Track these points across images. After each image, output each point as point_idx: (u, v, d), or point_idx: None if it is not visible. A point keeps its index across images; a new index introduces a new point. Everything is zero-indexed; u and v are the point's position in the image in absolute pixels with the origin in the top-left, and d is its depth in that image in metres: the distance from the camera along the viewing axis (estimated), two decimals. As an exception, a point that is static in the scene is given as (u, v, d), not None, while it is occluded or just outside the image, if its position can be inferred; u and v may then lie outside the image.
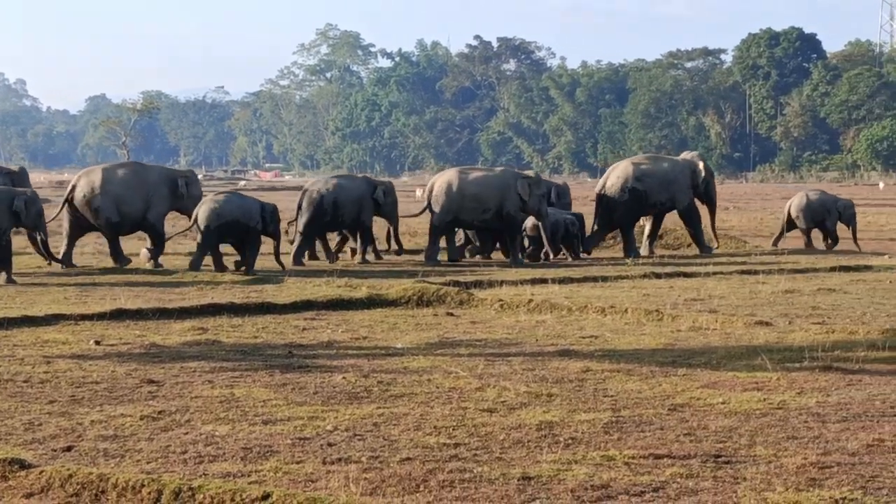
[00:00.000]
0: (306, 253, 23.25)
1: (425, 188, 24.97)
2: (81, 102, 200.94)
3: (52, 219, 22.12)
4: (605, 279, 19.25)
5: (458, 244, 24.63)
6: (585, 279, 19.28)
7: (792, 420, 8.70)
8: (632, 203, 25.51)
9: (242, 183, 75.97)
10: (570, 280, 19.02)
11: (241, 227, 20.78)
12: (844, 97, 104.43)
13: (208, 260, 20.96)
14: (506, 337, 13.03)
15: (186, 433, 8.33)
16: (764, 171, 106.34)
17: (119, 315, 14.52)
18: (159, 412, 8.97)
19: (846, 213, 26.41)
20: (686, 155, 28.00)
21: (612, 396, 9.62)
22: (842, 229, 26.52)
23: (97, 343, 12.48)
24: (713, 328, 13.49)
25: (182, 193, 22.53)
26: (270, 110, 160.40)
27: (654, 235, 26.40)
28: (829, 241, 26.21)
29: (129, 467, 7.44)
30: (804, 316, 14.63)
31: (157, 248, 22.04)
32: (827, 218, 26.18)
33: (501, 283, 18.22)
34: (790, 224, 26.72)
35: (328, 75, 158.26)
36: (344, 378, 10.37)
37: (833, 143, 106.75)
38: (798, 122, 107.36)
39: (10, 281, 18.98)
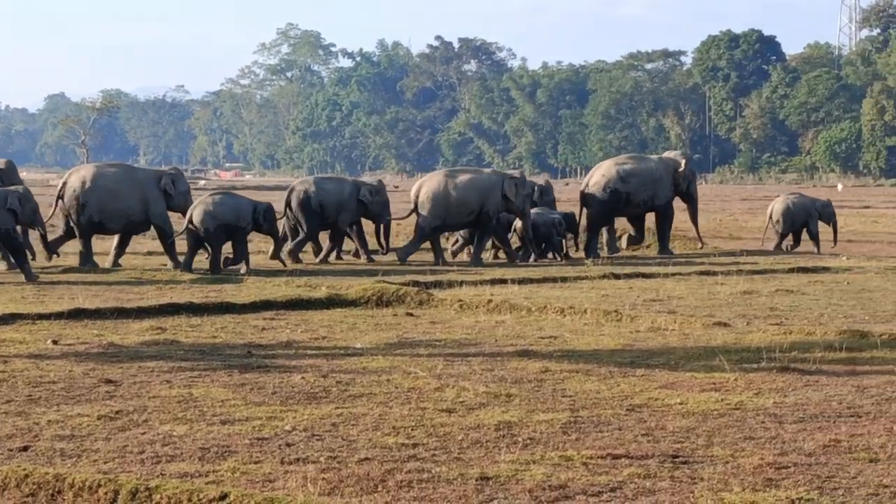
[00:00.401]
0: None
1: (412, 190, 25.12)
2: (40, 101, 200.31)
3: (49, 218, 22.20)
4: (564, 280, 19.28)
5: (456, 245, 25.01)
6: (545, 280, 19.31)
7: (749, 420, 8.74)
8: (615, 203, 25.76)
9: (202, 182, 75.66)
10: (530, 280, 19.05)
11: (234, 228, 20.88)
12: (803, 99, 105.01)
13: (191, 262, 21.06)
14: (465, 337, 13.03)
15: (144, 433, 8.30)
16: (723, 173, 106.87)
17: (77, 314, 14.44)
18: (117, 412, 8.93)
19: (825, 213, 26.63)
20: (669, 154, 28.27)
21: (570, 397, 9.63)
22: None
23: (54, 343, 12.41)
24: (672, 329, 13.53)
25: (170, 192, 22.44)
26: (231, 109, 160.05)
27: (640, 235, 26.76)
28: (814, 242, 26.23)
29: (85, 467, 7.40)
30: (762, 317, 14.70)
31: (170, 247, 22.04)
32: (809, 220, 26.34)
33: (461, 283, 18.24)
34: (775, 228, 26.71)
35: (289, 75, 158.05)
36: (303, 378, 10.35)
37: (792, 145, 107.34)
38: (757, 124, 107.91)
39: (30, 278, 19.02)
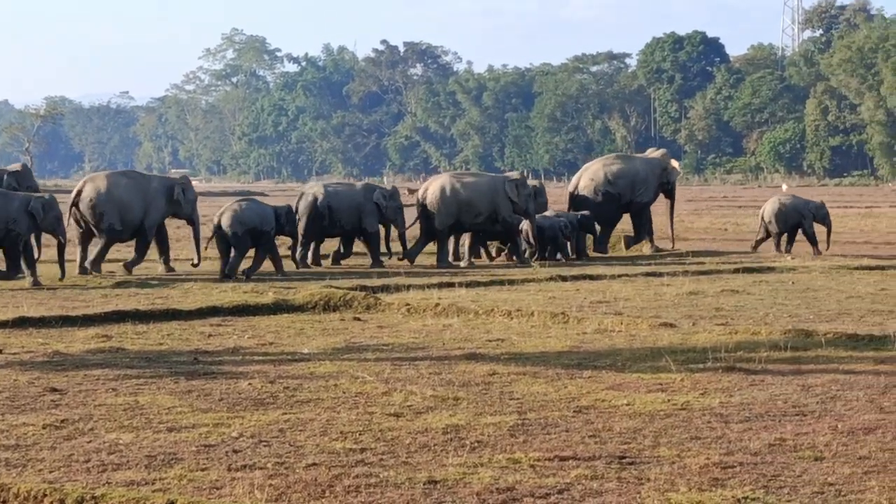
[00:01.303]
0: (309, 256, 23.61)
1: (416, 194, 25.49)
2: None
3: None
4: (511, 282, 19.32)
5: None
6: (492, 283, 19.34)
7: (695, 420, 8.79)
8: (608, 205, 26.29)
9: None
10: (478, 284, 19.08)
11: (259, 233, 21.31)
12: (747, 100, 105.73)
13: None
14: (413, 341, 13.03)
15: (90, 441, 8.25)
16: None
17: (21, 323, 14.33)
18: (62, 421, 8.87)
19: (819, 214, 26.64)
20: (655, 153, 28.66)
21: (518, 399, 9.65)
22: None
23: (-1, 352, 12.32)
24: (618, 330, 13.58)
25: (179, 200, 22.58)
26: (176, 115, 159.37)
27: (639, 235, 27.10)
28: (811, 243, 26.19)
29: (30, 477, 7.35)
30: (708, 317, 14.78)
31: (139, 257, 22.11)
32: (803, 221, 26.32)
33: (408, 287, 18.24)
34: (767, 229, 26.63)
35: (234, 80, 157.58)
36: (250, 384, 10.32)
37: (737, 146, 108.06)
38: (702, 126, 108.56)
39: (36, 284, 19.13)
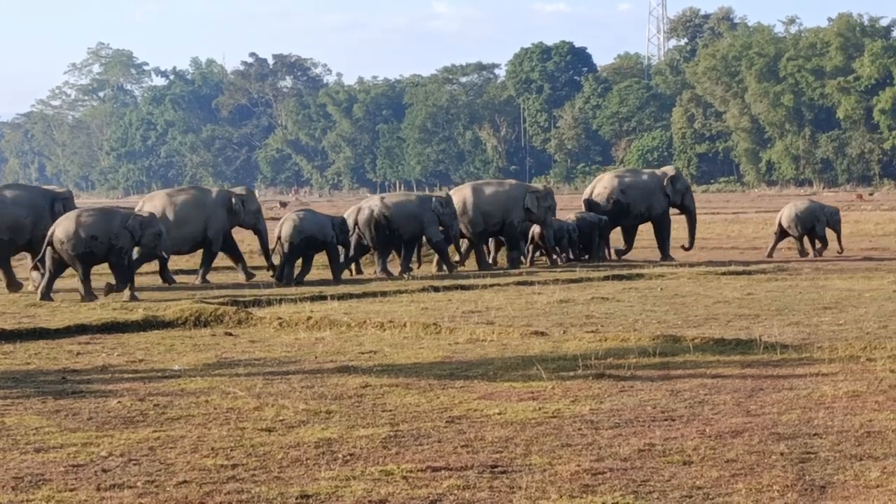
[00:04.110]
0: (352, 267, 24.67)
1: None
2: None
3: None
4: (384, 294, 19.34)
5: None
6: (365, 295, 19.34)
7: (566, 428, 8.85)
8: (616, 213, 27.65)
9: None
10: (350, 296, 19.07)
11: (319, 242, 22.71)
12: (615, 109, 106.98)
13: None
14: (285, 355, 12.97)
15: (-45, 465, 8.09)
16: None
17: None
18: (-74, 444, 8.68)
19: (832, 219, 28.11)
20: (664, 169, 29.81)
21: (390, 411, 9.65)
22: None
23: None
24: (490, 340, 13.64)
25: (237, 211, 23.69)
26: (42, 131, 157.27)
27: (629, 245, 28.12)
28: (820, 245, 27.62)
29: None
30: (578, 325, 14.90)
31: (206, 267, 23.26)
32: (816, 224, 27.69)
33: (280, 300, 18.16)
34: (782, 233, 27.88)
35: (101, 95, 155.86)
36: (119, 402, 10.19)
37: (606, 154, 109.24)
38: (571, 135, 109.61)
39: (133, 298, 19.37)
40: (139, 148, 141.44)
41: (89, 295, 19.60)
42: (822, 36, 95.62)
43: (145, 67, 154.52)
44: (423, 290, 19.79)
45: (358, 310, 17.06)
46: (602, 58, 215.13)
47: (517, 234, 25.98)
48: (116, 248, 20.00)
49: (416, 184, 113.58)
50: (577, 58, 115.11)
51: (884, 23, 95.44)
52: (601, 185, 28.34)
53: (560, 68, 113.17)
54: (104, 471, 7.83)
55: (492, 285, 20.34)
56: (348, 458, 8.07)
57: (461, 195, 26.24)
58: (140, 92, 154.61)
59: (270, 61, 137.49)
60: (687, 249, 27.82)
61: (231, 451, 8.32)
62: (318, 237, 22.63)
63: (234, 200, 23.68)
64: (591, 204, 27.93)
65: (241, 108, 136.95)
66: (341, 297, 18.64)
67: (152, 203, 23.35)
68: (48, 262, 19.96)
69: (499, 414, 9.39)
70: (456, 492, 7.17)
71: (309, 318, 15.58)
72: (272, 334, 14.86)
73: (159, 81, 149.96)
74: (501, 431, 8.77)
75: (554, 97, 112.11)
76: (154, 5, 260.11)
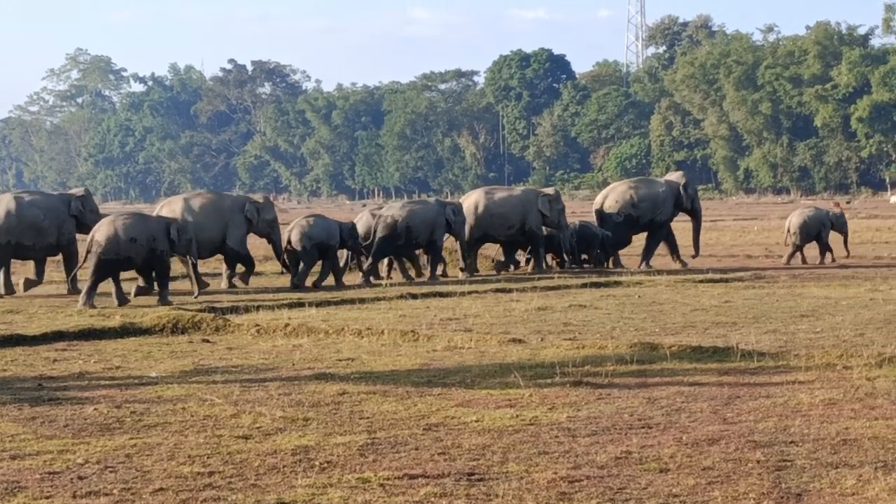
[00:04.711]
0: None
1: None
2: None
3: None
4: (362, 301, 19.33)
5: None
6: (343, 302, 19.33)
7: (543, 435, 8.86)
8: (628, 226, 27.64)
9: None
10: (328, 303, 19.05)
11: (326, 247, 23.06)
12: (594, 116, 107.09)
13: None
14: (262, 362, 12.96)
15: (-70, 472, 8.06)
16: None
17: None
18: None
19: (838, 223, 28.75)
20: (672, 176, 29.74)
21: (368, 418, 9.65)
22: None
23: None
24: (468, 347, 13.64)
25: (252, 218, 23.61)
26: (20, 137, 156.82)
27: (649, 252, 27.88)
28: (826, 250, 27.80)
29: None
30: (556, 332, 14.91)
31: (248, 270, 23.53)
32: (822, 231, 27.98)
33: (258, 307, 18.14)
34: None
35: (79, 101, 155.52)
36: (96, 409, 10.17)
37: (584, 162, 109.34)
38: (550, 142, 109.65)
39: (165, 302, 19.55)
40: (117, 154, 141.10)
41: (121, 298, 19.81)
42: (801, 44, 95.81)
43: (124, 73, 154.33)
44: (402, 297, 19.79)
45: (336, 317, 17.05)
46: (581, 65, 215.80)
47: (540, 239, 26.17)
48: (158, 251, 20.24)
49: (394, 191, 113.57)
50: (556, 65, 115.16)
51: (862, 31, 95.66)
52: (613, 197, 28.04)
53: (539, 75, 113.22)
54: (80, 478, 7.81)
55: (470, 292, 20.34)
56: (325, 465, 8.06)
57: (473, 200, 26.55)
58: (118, 98, 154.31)
59: (249, 67, 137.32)
60: (695, 257, 27.73)
61: (208, 458, 8.30)
62: (327, 242, 22.98)
63: (247, 207, 23.62)
64: (601, 215, 27.76)
65: (220, 115, 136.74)
66: (319, 304, 18.61)
67: (170, 207, 23.30)
68: (91, 268, 19.96)
69: (476, 421, 9.39)
70: (433, 499, 7.17)
71: (287, 325, 15.56)
72: (249, 341, 14.84)
73: (138, 87, 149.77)
74: (479, 439, 8.77)
75: (533, 104, 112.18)
76: (132, 11, 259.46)
